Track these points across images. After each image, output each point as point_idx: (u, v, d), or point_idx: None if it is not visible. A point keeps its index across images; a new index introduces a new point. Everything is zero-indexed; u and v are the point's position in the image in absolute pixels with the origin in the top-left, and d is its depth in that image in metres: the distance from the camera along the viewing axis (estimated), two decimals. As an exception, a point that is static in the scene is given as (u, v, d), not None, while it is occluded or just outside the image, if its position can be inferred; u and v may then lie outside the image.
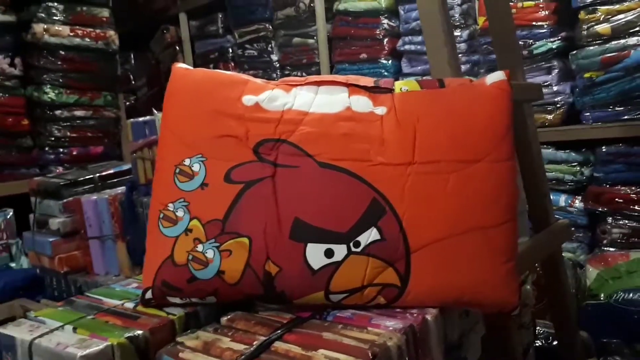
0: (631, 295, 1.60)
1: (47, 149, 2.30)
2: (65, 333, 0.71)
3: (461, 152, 0.75)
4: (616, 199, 1.94)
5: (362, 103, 0.79)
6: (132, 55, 3.45)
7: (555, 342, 1.46)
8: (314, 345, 0.63)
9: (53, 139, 2.30)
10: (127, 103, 3.22)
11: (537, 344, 1.46)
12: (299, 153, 0.77)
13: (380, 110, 0.79)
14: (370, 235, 0.73)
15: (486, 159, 0.75)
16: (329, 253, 0.73)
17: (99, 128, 2.42)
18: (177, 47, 3.14)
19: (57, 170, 2.16)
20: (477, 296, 0.73)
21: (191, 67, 0.85)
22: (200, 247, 0.74)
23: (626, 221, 1.94)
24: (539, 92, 1.16)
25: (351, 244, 0.73)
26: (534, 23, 2.07)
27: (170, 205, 0.77)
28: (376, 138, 0.77)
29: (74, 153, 2.34)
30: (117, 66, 2.48)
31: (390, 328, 0.67)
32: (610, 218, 1.97)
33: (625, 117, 1.92)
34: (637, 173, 1.92)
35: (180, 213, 0.76)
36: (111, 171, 1.46)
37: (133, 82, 3.50)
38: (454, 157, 0.75)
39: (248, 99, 0.80)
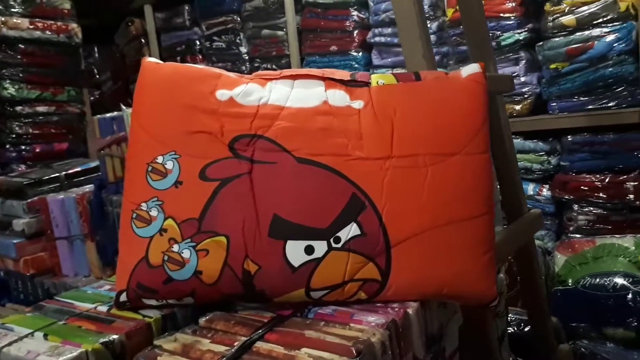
0: (598, 280, 1.64)
1: (8, 146, 2.22)
2: (35, 340, 0.68)
3: (438, 145, 0.75)
4: (581, 187, 1.99)
5: (338, 97, 0.78)
6: (95, 49, 3.35)
7: (527, 329, 1.49)
8: (296, 344, 0.63)
9: (14, 136, 2.22)
10: (92, 98, 3.13)
11: (509, 331, 1.49)
12: (276, 148, 0.75)
13: (358, 104, 0.78)
14: (351, 231, 0.72)
15: (463, 152, 0.75)
16: (309, 250, 0.72)
17: (63, 124, 2.34)
18: (143, 40, 3.05)
19: (20, 169, 2.08)
20: (457, 288, 0.74)
21: (161, 62, 0.82)
22: (176, 247, 0.72)
23: (591, 208, 2.00)
24: (511, 84, 1.18)
25: (331, 240, 0.72)
26: (501, 15, 2.09)
27: (144, 204, 0.74)
28: (354, 132, 0.76)
29: (37, 150, 2.25)
30: (80, 60, 2.40)
31: (373, 324, 0.67)
32: (576, 205, 2.02)
33: (590, 106, 1.97)
34: (601, 161, 1.97)
35: (154, 212, 0.74)
36: (78, 169, 1.41)
37: (97, 76, 3.41)
38: (432, 150, 0.75)
39: (222, 94, 0.78)
